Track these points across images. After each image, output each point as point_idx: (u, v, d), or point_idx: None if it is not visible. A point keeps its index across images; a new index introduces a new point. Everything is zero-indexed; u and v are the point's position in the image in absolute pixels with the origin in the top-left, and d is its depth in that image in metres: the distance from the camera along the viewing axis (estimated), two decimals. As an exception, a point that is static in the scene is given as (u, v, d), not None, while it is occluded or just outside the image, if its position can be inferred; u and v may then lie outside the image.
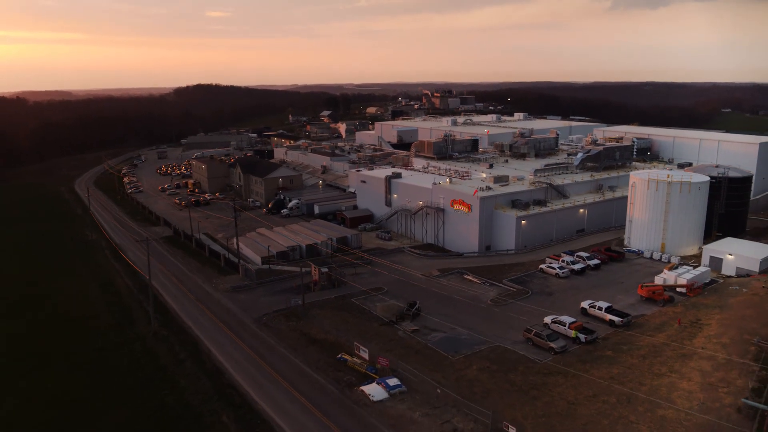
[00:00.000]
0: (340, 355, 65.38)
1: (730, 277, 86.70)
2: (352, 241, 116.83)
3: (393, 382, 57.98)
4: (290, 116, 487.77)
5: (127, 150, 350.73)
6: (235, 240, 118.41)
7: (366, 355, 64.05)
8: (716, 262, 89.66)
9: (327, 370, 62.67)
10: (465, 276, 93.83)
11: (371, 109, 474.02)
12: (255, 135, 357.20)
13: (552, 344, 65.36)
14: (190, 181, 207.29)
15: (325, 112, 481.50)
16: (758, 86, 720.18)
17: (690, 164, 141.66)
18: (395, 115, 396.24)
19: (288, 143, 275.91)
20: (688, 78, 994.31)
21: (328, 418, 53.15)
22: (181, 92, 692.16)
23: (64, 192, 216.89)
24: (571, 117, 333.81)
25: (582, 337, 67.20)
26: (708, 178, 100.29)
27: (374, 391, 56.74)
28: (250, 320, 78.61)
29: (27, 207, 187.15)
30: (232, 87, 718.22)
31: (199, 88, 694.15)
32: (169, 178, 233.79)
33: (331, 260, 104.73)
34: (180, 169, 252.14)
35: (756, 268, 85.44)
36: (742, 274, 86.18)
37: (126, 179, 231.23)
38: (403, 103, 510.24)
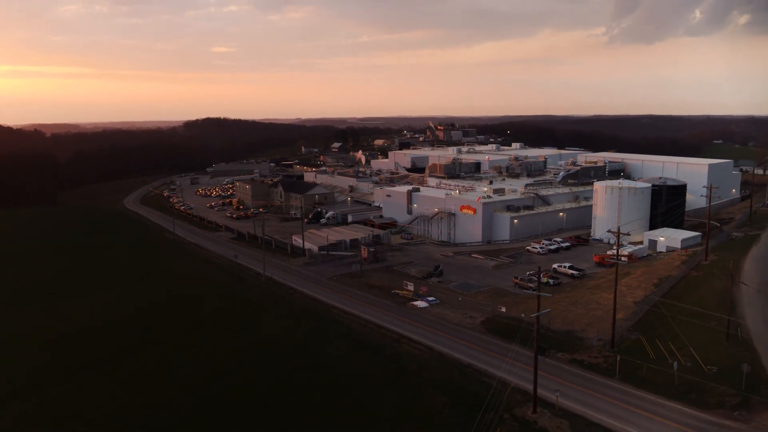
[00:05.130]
0: (393, 291, 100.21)
1: (661, 252, 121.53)
2: (383, 238, 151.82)
3: (431, 298, 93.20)
4: (303, 148, 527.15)
5: (158, 177, 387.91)
6: (292, 237, 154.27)
7: (411, 288, 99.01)
8: (653, 243, 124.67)
9: (386, 298, 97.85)
10: (472, 255, 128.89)
11: (378, 141, 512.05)
12: (273, 164, 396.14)
13: (530, 284, 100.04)
14: (234, 200, 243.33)
15: (336, 144, 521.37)
16: (753, 119, 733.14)
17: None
18: (402, 146, 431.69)
19: (313, 170, 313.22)
20: (685, 111, 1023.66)
21: (393, 314, 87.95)
22: (190, 125, 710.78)
23: (123, 210, 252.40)
24: (566, 147, 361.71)
25: (551, 281, 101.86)
26: (650, 186, 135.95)
27: (419, 303, 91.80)
28: (324, 279, 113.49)
29: (101, 222, 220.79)
30: (239, 120, 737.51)
31: (208, 121, 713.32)
32: (209, 198, 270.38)
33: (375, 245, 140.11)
34: (217, 191, 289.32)
35: (679, 245, 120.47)
36: (670, 250, 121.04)
37: (173, 199, 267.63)
38: (409, 136, 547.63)
